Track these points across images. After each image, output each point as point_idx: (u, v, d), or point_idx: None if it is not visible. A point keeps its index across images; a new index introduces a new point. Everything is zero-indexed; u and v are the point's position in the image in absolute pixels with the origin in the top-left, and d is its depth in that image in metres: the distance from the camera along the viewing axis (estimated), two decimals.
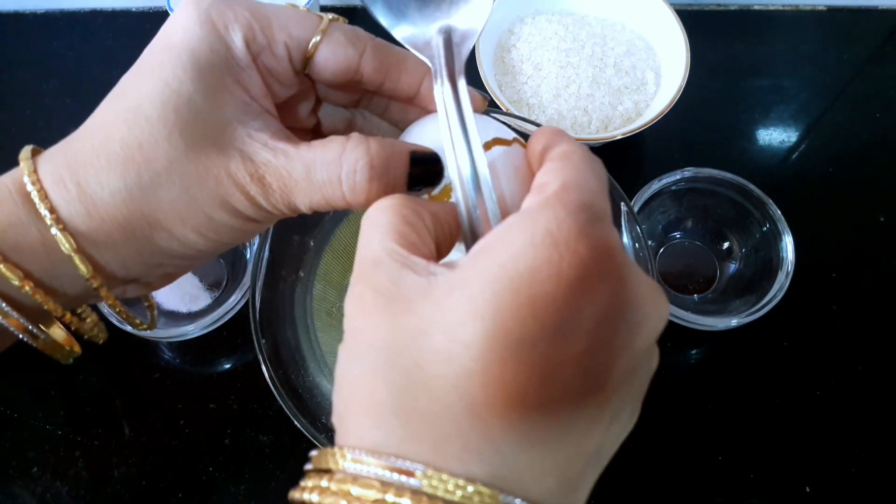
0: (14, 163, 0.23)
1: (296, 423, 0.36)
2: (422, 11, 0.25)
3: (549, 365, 0.16)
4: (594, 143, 0.49)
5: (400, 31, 0.25)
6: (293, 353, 0.42)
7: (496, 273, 0.17)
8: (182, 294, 0.48)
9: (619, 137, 0.49)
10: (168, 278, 0.27)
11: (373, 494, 0.16)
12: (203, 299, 0.49)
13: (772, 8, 0.63)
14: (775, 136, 0.58)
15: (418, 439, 0.17)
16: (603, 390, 0.17)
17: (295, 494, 0.18)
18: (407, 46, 0.25)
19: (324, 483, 0.17)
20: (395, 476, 0.16)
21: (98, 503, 0.44)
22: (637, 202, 0.47)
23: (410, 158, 0.24)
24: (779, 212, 0.47)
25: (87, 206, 0.22)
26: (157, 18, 0.62)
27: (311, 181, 0.23)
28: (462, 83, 0.23)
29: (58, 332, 0.26)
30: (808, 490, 0.44)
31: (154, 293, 0.48)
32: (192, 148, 0.22)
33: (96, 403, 0.47)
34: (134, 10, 0.63)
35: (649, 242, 0.49)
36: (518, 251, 0.17)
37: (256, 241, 0.47)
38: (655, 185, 0.48)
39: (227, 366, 0.48)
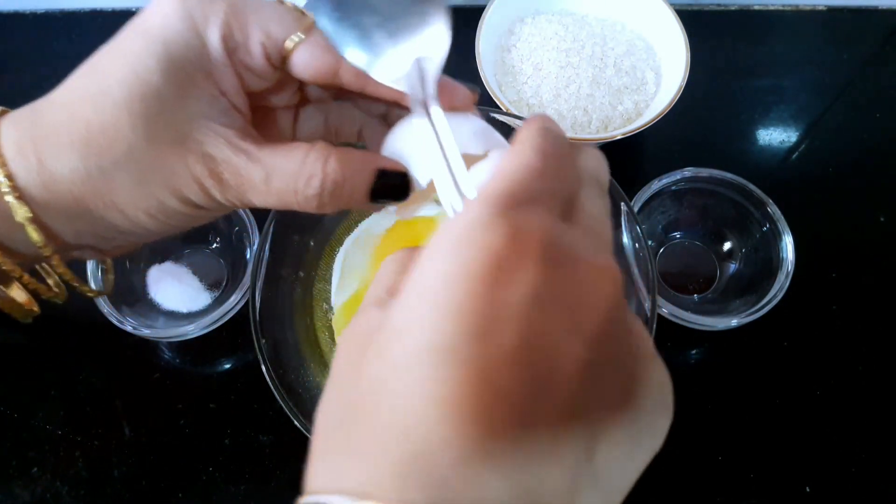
0: None
1: (296, 423, 0.36)
2: (395, 47, 0.25)
3: (481, 370, 0.15)
4: (594, 143, 0.49)
5: (378, 71, 0.25)
6: (293, 353, 0.42)
7: (418, 281, 0.16)
8: (182, 294, 0.48)
9: (619, 137, 0.49)
10: (121, 249, 0.28)
11: None
12: (203, 299, 0.49)
13: (772, 8, 0.63)
14: (775, 136, 0.58)
15: (354, 474, 0.15)
16: (559, 389, 0.15)
17: None
18: (385, 82, 0.25)
19: None
20: None
21: (98, 503, 0.44)
22: (637, 202, 0.47)
23: (377, 174, 0.24)
24: (779, 212, 0.47)
25: (44, 179, 0.23)
26: None
27: (269, 186, 0.24)
28: (438, 111, 0.23)
29: (17, 292, 0.27)
30: (808, 490, 0.44)
31: (154, 293, 0.48)
32: (154, 138, 0.23)
33: (96, 403, 0.47)
34: (134, 10, 0.63)
35: (649, 242, 0.49)
36: (433, 260, 0.16)
37: (256, 241, 0.47)
38: (655, 185, 0.48)
39: (227, 366, 0.48)
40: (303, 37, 0.24)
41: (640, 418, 0.17)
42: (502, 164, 0.18)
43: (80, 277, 0.28)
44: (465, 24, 0.55)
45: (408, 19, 0.25)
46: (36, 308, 0.28)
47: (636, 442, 0.17)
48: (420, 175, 0.25)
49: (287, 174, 0.23)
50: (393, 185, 0.25)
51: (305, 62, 0.24)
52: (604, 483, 0.16)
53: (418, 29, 0.25)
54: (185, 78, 0.23)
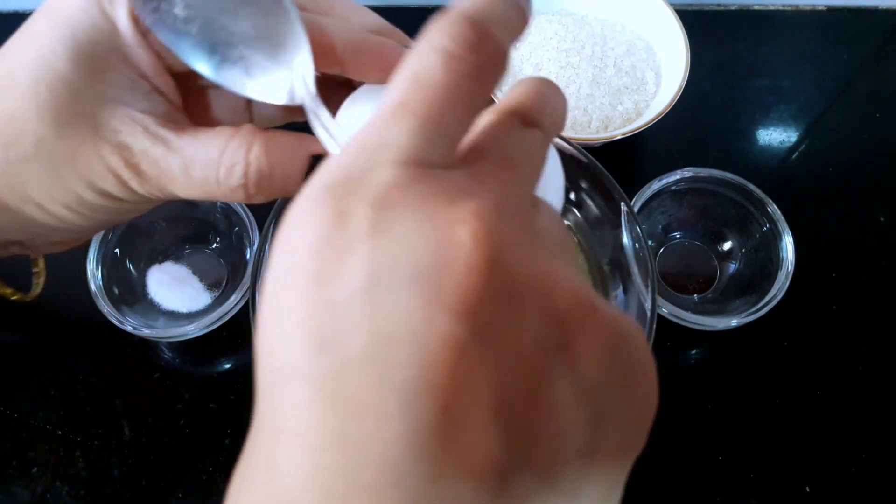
0: None
1: None
2: (275, 60, 0.22)
3: (321, 389, 0.12)
4: (594, 143, 0.49)
5: (265, 93, 0.22)
6: None
7: (265, 286, 0.15)
8: (182, 294, 0.48)
9: (619, 137, 0.49)
10: (57, 246, 0.26)
11: None
12: (203, 299, 0.49)
13: (772, 8, 0.63)
14: (775, 136, 0.58)
15: None
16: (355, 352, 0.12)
17: None
18: (275, 102, 0.23)
19: None
20: None
21: (98, 503, 0.44)
22: (637, 202, 0.47)
23: (312, 160, 0.23)
24: (779, 212, 0.47)
25: None
26: None
27: (189, 177, 0.22)
28: (327, 116, 0.22)
29: None
30: (808, 490, 0.44)
31: (154, 293, 0.48)
32: (63, 128, 0.21)
33: (96, 403, 0.47)
34: None
35: (649, 242, 0.49)
36: (272, 257, 0.15)
37: (256, 241, 0.47)
38: (655, 185, 0.48)
39: (227, 366, 0.48)
40: None
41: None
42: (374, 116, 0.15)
43: (3, 281, 0.26)
44: None
45: (264, 31, 0.22)
46: None
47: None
48: None
49: (207, 164, 0.22)
50: None
51: None
52: None
53: (279, 37, 0.22)
54: (96, 62, 0.21)
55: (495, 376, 0.12)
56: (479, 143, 0.16)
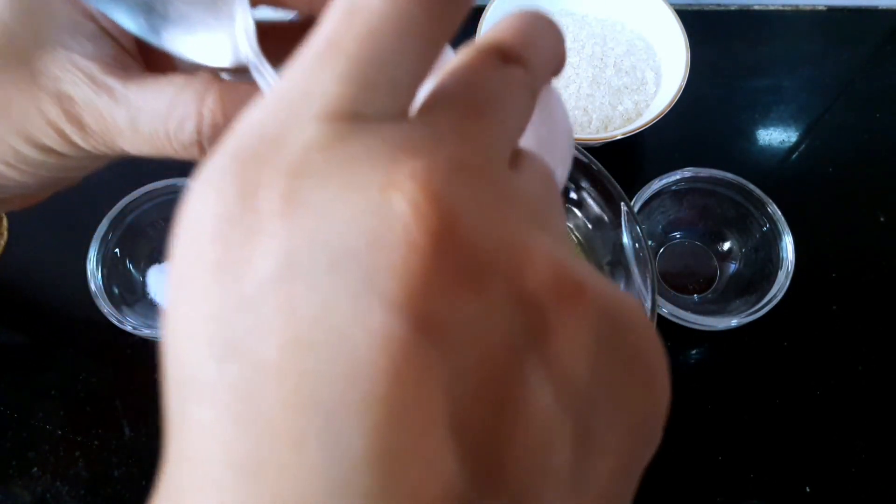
0: None
1: None
2: (216, 14, 0.20)
3: (232, 404, 0.10)
4: (594, 143, 0.49)
5: (209, 55, 0.20)
6: None
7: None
8: None
9: (619, 137, 0.49)
10: (6, 204, 0.24)
11: None
12: None
13: (772, 8, 0.63)
14: (775, 136, 0.58)
15: None
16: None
17: None
18: (221, 65, 0.20)
19: None
20: None
21: (98, 503, 0.44)
22: (637, 202, 0.47)
23: None
24: (779, 212, 0.47)
25: None
26: None
27: (136, 131, 0.19)
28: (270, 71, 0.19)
29: None
30: (808, 490, 0.44)
31: (153, 292, 0.48)
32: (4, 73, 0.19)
33: (96, 403, 0.47)
34: None
35: (649, 242, 0.49)
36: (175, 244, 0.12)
37: None
38: (655, 185, 0.48)
39: None
40: None
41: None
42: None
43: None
44: (465, 24, 0.55)
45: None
46: None
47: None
48: None
49: (155, 113, 0.19)
50: None
51: None
52: None
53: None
54: (38, 6, 0.19)
55: (450, 385, 0.10)
56: (440, 89, 0.13)
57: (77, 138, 0.20)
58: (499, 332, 0.10)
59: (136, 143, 0.20)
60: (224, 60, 0.20)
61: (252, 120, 0.11)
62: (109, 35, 0.20)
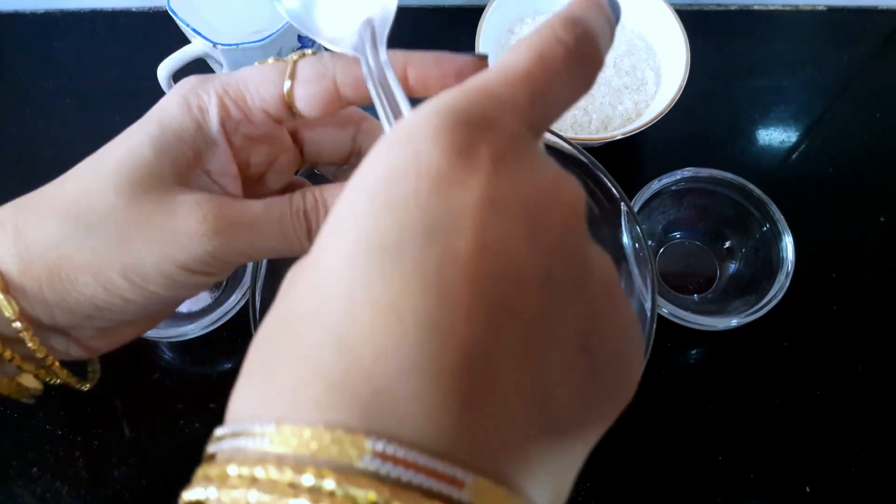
0: (13, 163, 0.23)
1: None
2: (345, 12, 0.25)
3: (432, 272, 0.13)
4: (594, 143, 0.49)
5: (328, 37, 0.25)
6: None
7: (353, 186, 0.15)
8: None
9: (619, 137, 0.49)
10: (105, 337, 0.27)
11: (215, 471, 0.13)
12: (203, 299, 0.49)
13: (772, 8, 0.63)
14: (775, 136, 0.58)
15: (276, 396, 0.13)
16: (522, 309, 0.14)
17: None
18: (334, 48, 0.25)
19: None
20: (243, 442, 0.13)
21: (98, 503, 0.44)
22: (637, 202, 0.47)
23: None
24: (779, 212, 0.47)
25: (20, 247, 0.23)
26: (157, 18, 0.62)
27: (267, 218, 0.25)
28: (392, 77, 0.23)
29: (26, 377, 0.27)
30: (808, 490, 0.44)
31: None
32: (137, 197, 0.23)
33: (96, 403, 0.47)
34: (134, 9, 0.63)
35: (649, 242, 0.49)
36: (375, 159, 0.15)
37: None
38: (655, 185, 0.48)
39: (228, 366, 0.48)
40: (290, 82, 0.25)
41: (599, 360, 0.15)
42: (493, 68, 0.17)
43: (67, 370, 0.28)
44: (465, 24, 0.55)
45: None
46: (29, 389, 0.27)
47: (594, 388, 0.15)
48: None
49: (279, 202, 0.25)
50: None
51: (306, 98, 0.25)
52: (557, 432, 0.14)
53: None
54: (175, 155, 0.24)
55: (552, 305, 0.14)
56: None
57: (205, 240, 0.23)
58: (574, 298, 0.15)
59: (263, 230, 0.24)
60: (346, 49, 0.24)
61: (469, 100, 0.16)
62: (219, 185, 0.26)
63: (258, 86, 0.25)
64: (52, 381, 0.27)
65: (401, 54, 0.24)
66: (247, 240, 0.24)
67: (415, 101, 0.23)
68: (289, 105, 0.25)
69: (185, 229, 0.23)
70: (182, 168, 0.24)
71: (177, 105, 0.24)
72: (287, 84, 0.24)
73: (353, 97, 0.25)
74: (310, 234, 0.25)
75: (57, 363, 0.26)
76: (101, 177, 0.23)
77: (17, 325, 0.24)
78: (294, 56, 0.25)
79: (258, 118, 0.25)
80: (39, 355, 0.25)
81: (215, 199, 0.24)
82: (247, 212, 0.24)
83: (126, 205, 0.23)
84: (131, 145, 0.23)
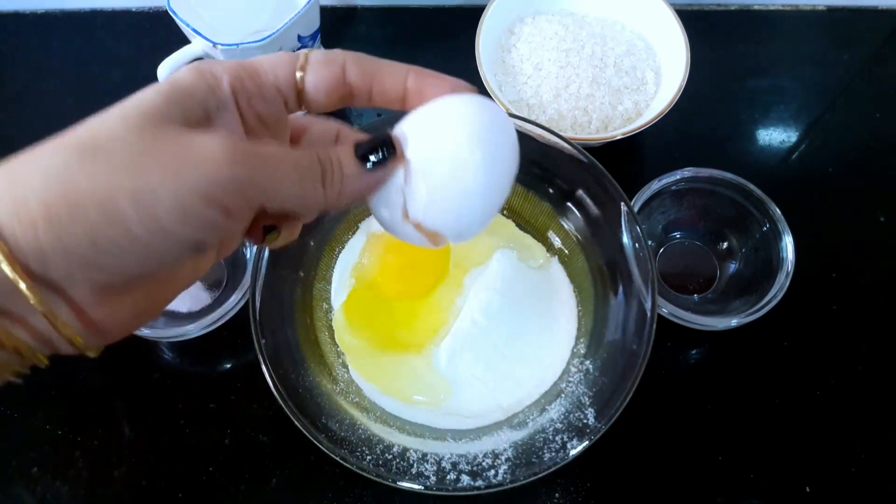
0: None
1: (296, 423, 0.36)
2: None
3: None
4: (594, 143, 0.49)
5: None
6: (293, 353, 0.42)
7: None
8: (182, 294, 0.48)
9: (619, 137, 0.49)
10: (103, 303, 0.24)
11: None
12: (203, 299, 0.49)
13: (772, 8, 0.63)
14: (775, 136, 0.58)
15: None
16: None
17: None
18: None
19: None
20: None
21: (98, 503, 0.44)
22: (637, 202, 0.47)
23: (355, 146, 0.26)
24: (779, 212, 0.47)
25: (13, 189, 0.21)
26: (156, 18, 0.62)
27: (299, 162, 0.25)
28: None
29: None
30: (808, 490, 0.44)
31: None
32: (149, 129, 0.22)
33: (96, 403, 0.47)
34: (134, 9, 0.63)
35: (649, 242, 0.49)
36: None
37: None
38: (655, 185, 0.48)
39: (227, 366, 0.48)
40: (303, 69, 0.26)
41: None
42: None
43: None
44: (465, 24, 0.55)
45: None
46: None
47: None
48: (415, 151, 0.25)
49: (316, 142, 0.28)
50: (374, 146, 0.25)
51: (316, 84, 0.25)
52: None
53: None
54: (186, 108, 0.24)
55: None
56: None
57: (231, 170, 0.22)
58: None
59: (296, 175, 0.24)
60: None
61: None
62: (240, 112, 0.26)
63: (273, 65, 0.25)
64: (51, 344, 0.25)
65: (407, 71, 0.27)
66: (267, 175, 0.23)
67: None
68: (299, 89, 0.26)
69: (206, 154, 0.22)
70: (192, 122, 0.23)
71: (188, 72, 0.24)
72: (300, 73, 0.25)
73: (359, 85, 0.26)
74: (324, 181, 0.25)
75: (60, 319, 0.23)
76: (108, 116, 0.22)
77: (7, 270, 0.21)
78: (305, 51, 0.26)
79: (270, 94, 0.25)
80: (37, 305, 0.22)
81: (233, 136, 0.24)
82: (267, 149, 0.24)
83: (138, 135, 0.22)
84: (141, 97, 0.23)
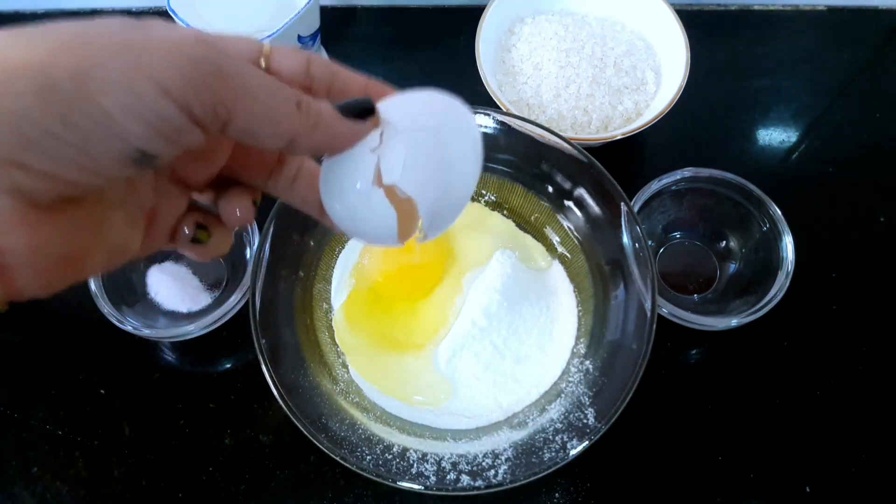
0: None
1: (296, 422, 0.36)
2: None
3: None
4: (594, 143, 0.49)
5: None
6: (293, 353, 0.42)
7: None
8: (182, 294, 0.48)
9: (619, 137, 0.49)
10: (24, 222, 0.19)
11: None
12: (203, 299, 0.49)
13: (772, 8, 0.63)
14: (775, 136, 0.58)
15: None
16: None
17: None
18: None
19: None
20: None
21: (98, 503, 0.44)
22: (637, 202, 0.47)
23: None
24: (779, 212, 0.47)
25: None
26: (157, 19, 0.62)
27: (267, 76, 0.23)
28: None
29: None
30: (808, 490, 0.44)
31: (154, 293, 0.48)
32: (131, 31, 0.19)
33: (96, 403, 0.47)
34: (134, 9, 0.63)
35: (649, 242, 0.49)
36: None
37: (256, 241, 0.47)
38: (655, 185, 0.48)
39: (227, 366, 0.48)
40: (268, 58, 0.24)
41: None
42: None
43: None
44: (466, 24, 0.55)
45: None
46: None
47: None
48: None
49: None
50: (352, 104, 0.24)
51: (280, 62, 0.24)
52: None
53: None
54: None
55: None
56: None
57: (195, 51, 0.19)
58: None
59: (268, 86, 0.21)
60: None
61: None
62: None
63: (235, 41, 0.23)
64: None
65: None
66: (236, 73, 0.20)
67: None
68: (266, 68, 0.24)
69: (168, 35, 0.19)
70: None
71: None
72: (263, 61, 0.24)
73: (321, 76, 0.25)
74: (299, 105, 0.22)
75: None
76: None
77: None
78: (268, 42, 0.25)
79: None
80: None
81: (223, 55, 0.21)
82: (237, 57, 0.21)
83: (88, 24, 0.19)
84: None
